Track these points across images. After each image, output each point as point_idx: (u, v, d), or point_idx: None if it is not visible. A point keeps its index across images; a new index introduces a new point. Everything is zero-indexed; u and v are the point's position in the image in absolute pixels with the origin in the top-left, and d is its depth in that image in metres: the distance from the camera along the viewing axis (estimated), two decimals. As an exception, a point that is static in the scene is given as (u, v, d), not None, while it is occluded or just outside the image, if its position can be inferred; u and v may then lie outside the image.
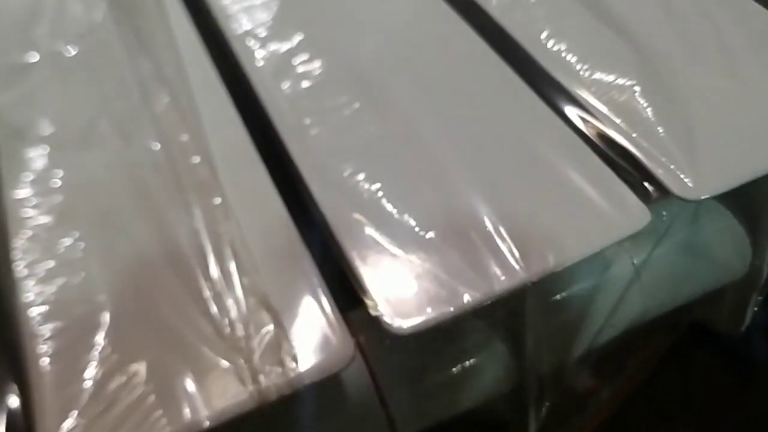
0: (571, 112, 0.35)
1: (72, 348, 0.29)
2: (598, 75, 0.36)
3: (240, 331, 0.29)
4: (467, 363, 0.35)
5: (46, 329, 0.30)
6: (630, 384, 0.47)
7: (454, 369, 0.35)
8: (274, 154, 0.36)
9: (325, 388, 0.33)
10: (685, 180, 0.31)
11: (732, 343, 0.70)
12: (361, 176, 0.33)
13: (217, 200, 0.33)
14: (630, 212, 0.31)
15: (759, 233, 0.38)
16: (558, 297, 0.35)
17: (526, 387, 0.36)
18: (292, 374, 0.28)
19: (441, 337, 0.35)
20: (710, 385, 0.74)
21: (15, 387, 0.29)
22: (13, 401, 0.29)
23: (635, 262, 0.36)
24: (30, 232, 0.33)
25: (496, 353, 0.35)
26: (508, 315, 0.34)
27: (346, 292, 0.31)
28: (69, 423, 0.27)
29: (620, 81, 0.36)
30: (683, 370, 0.73)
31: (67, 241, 0.32)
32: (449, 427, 0.40)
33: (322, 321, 0.29)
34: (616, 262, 0.36)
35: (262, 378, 0.28)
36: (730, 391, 0.73)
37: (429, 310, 0.29)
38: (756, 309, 0.40)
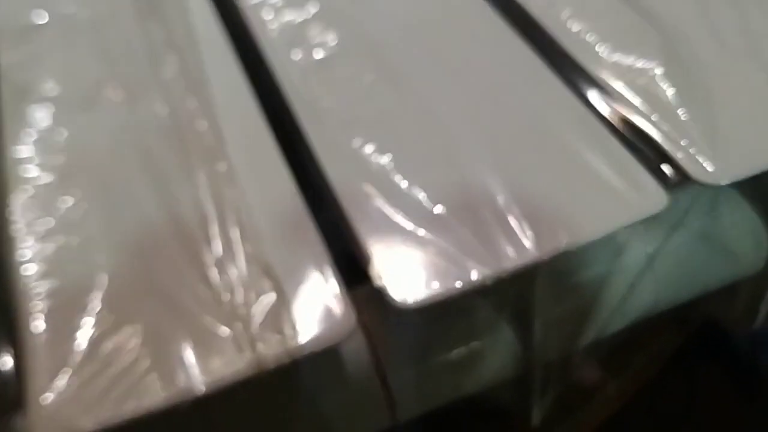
0: (591, 92, 0.35)
1: (67, 307, 0.29)
2: (619, 56, 0.36)
3: (240, 297, 0.29)
4: (472, 345, 0.34)
5: (42, 287, 0.29)
6: (638, 381, 0.47)
7: (458, 351, 0.34)
8: (283, 123, 0.35)
9: (327, 364, 0.32)
10: (705, 165, 0.31)
11: (737, 353, 0.69)
12: (371, 148, 0.33)
13: (223, 167, 0.33)
14: (647, 195, 0.30)
15: (778, 226, 0.37)
16: (568, 282, 0.35)
17: (531, 374, 0.35)
18: (291, 343, 0.27)
19: (446, 318, 0.34)
20: (713, 395, 0.73)
21: (8, 345, 0.29)
22: (6, 359, 0.29)
23: (649, 250, 0.35)
24: (31, 190, 0.32)
25: (503, 337, 0.35)
26: (516, 298, 0.33)
27: (353, 270, 0.30)
28: (61, 382, 0.27)
29: (641, 63, 0.35)
30: (687, 379, 0.73)
31: (68, 201, 0.32)
32: (451, 416, 0.39)
33: (325, 291, 0.29)
34: (630, 248, 0.35)
35: (260, 346, 0.27)
36: (732, 402, 0.72)
37: (435, 284, 0.28)
38: (769, 308, 0.40)
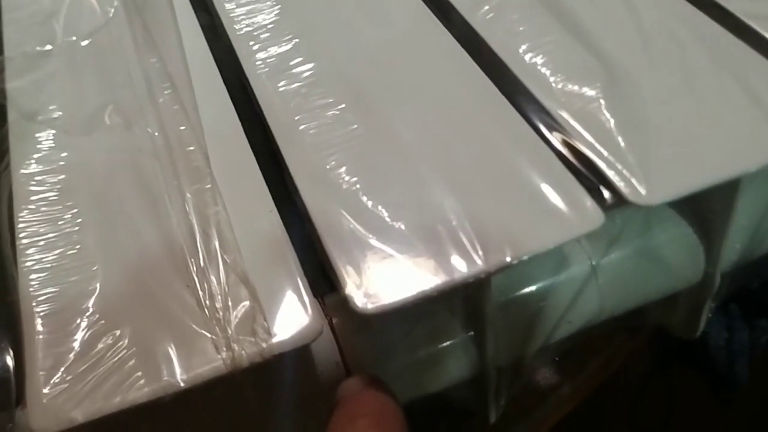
0: (541, 120, 0.37)
1: (64, 312, 0.31)
2: (568, 87, 0.38)
3: (219, 303, 0.31)
4: (431, 348, 0.37)
5: (42, 294, 0.32)
6: (592, 382, 0.50)
7: (418, 353, 0.37)
8: (264, 146, 0.38)
9: (298, 363, 0.35)
10: (638, 187, 0.33)
11: (715, 365, 0.72)
12: (342, 170, 0.35)
13: (208, 185, 0.36)
14: (585, 214, 0.32)
15: (712, 243, 0.40)
16: (517, 292, 0.38)
17: (487, 376, 0.38)
18: (263, 344, 0.30)
19: (407, 322, 0.37)
20: (692, 404, 0.76)
21: (9, 345, 0.32)
22: (7, 358, 0.32)
23: (593, 263, 0.38)
24: (33, 206, 0.35)
25: (459, 342, 0.37)
26: (469, 307, 0.36)
27: (324, 280, 0.33)
28: (56, 378, 0.29)
29: (588, 94, 0.37)
30: (666, 390, 0.75)
31: (66, 216, 0.35)
32: (415, 413, 0.42)
33: (295, 298, 0.31)
34: (575, 262, 0.38)
35: (235, 347, 0.30)
36: (710, 412, 0.75)
37: (394, 293, 0.31)
38: (710, 315, 0.42)
